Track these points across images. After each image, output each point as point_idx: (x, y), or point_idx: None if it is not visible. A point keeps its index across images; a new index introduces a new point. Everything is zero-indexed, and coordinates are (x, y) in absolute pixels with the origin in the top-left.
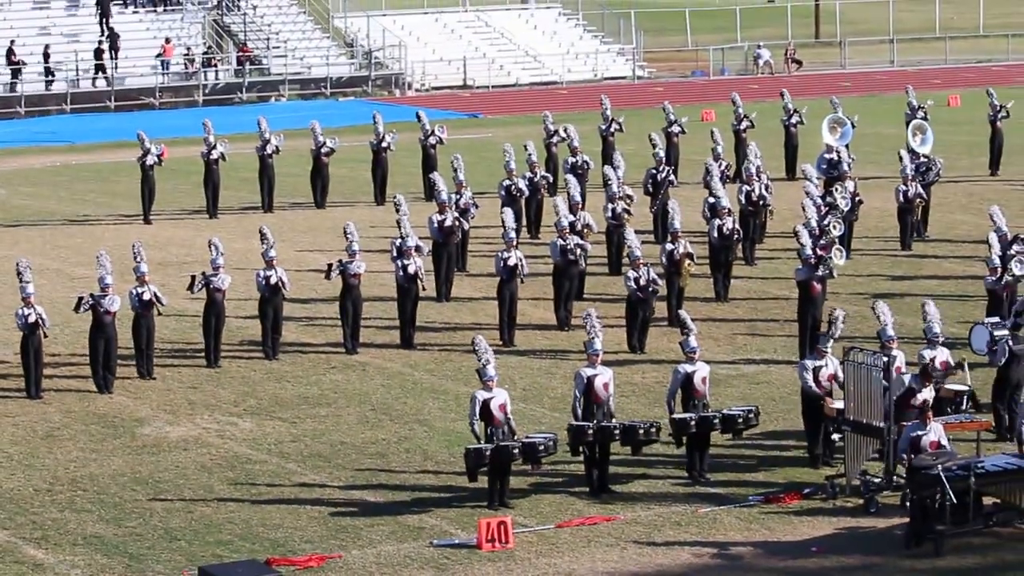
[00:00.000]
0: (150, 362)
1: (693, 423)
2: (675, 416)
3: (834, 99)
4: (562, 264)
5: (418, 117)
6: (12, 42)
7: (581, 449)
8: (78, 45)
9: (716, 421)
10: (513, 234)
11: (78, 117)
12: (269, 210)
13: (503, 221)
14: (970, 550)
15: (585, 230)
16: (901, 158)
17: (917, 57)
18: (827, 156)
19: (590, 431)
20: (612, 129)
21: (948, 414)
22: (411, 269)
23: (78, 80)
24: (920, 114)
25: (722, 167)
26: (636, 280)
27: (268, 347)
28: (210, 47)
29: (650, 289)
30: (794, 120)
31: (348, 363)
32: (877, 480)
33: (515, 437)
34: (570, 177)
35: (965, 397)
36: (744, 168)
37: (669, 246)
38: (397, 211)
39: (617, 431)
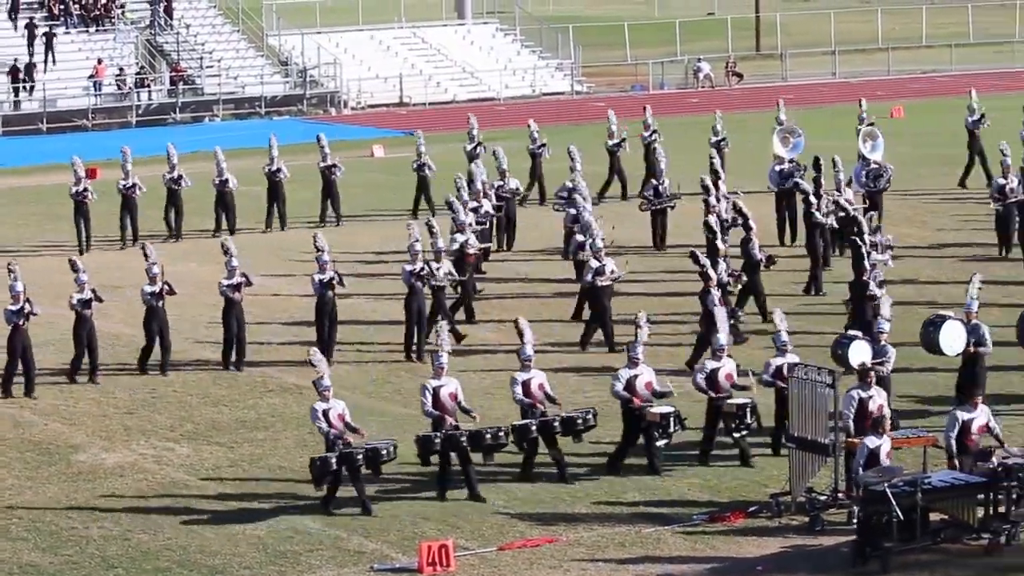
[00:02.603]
0: (30, 380)
1: (534, 428)
2: (515, 423)
3: (781, 115)
4: (589, 286)
5: (318, 140)
6: (16, 60)
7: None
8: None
9: (556, 424)
10: (418, 246)
11: (9, 140)
12: (178, 237)
13: (410, 233)
14: (917, 567)
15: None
16: (836, 166)
17: (860, 68)
18: (778, 168)
19: (437, 440)
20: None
21: (734, 430)
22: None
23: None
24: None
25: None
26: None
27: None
28: (143, 67)
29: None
30: (654, 137)
31: (285, 386)
32: (823, 497)
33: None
34: (577, 197)
35: (748, 410)
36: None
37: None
38: (431, 234)
39: (464, 438)
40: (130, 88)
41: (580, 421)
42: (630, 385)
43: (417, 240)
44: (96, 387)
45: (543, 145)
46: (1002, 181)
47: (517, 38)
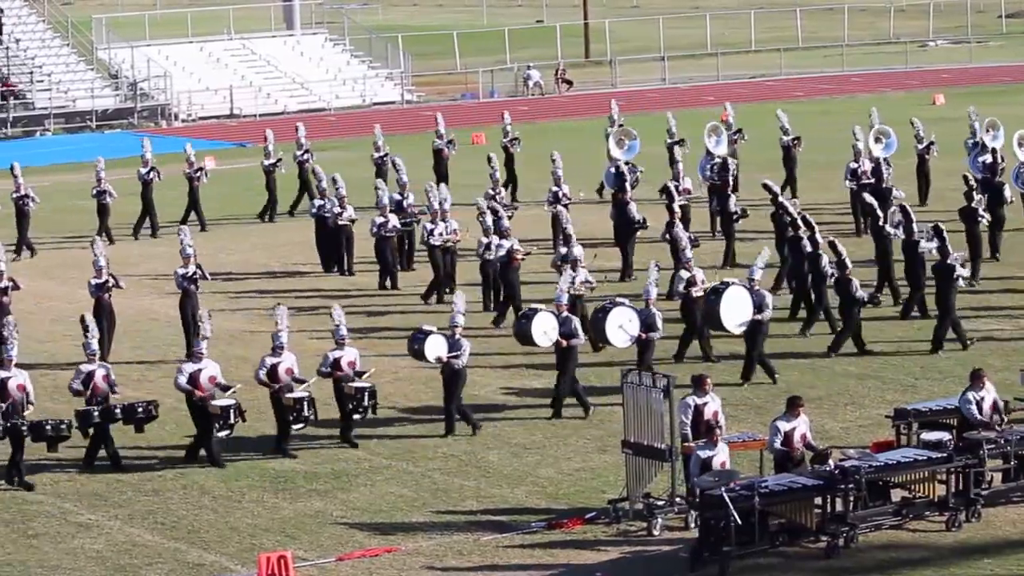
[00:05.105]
0: None
1: (96, 414)
2: (78, 409)
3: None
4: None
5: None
6: None
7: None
8: None
9: (118, 412)
10: (190, 250)
11: None
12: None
13: (181, 239)
14: (756, 570)
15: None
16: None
17: (689, 74)
18: (612, 170)
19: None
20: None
21: (353, 411)
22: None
23: None
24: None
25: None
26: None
27: None
28: None
29: None
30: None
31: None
32: (660, 503)
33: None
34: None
35: (367, 394)
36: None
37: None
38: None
39: (24, 428)
40: None
41: (141, 410)
42: (193, 378)
43: (189, 245)
44: None
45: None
46: (854, 165)
47: (346, 48)
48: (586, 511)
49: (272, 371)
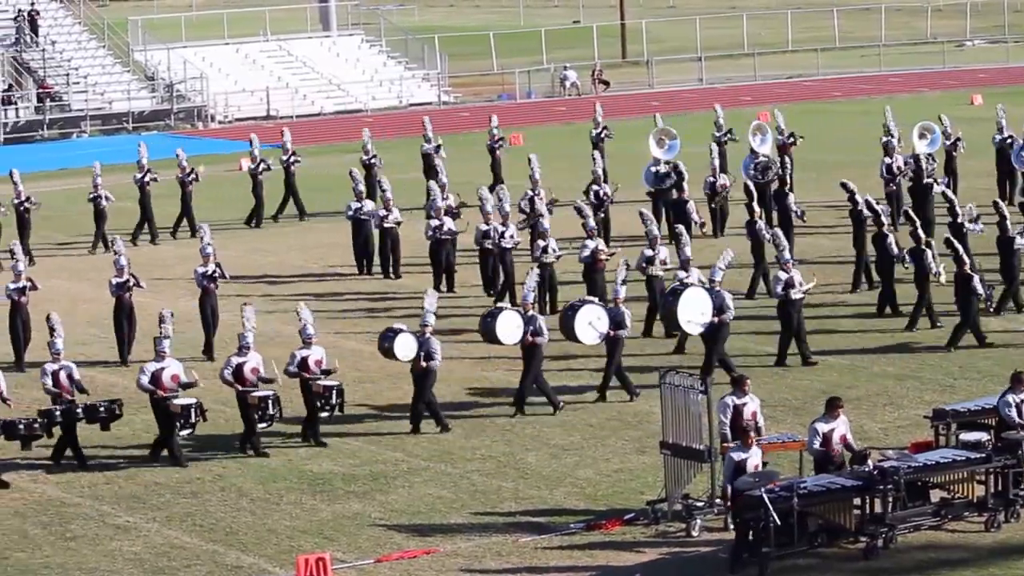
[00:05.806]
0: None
1: (58, 413)
2: (41, 409)
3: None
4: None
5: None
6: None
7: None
8: None
9: (79, 411)
10: (209, 249)
11: None
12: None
13: (201, 237)
14: (796, 571)
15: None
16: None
17: (726, 74)
18: (653, 169)
19: None
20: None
21: (322, 409)
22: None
23: None
24: (727, 137)
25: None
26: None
27: None
28: (10, 85)
29: None
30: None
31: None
32: (699, 504)
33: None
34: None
35: (335, 391)
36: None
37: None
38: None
39: None
40: None
41: (103, 409)
42: (156, 377)
43: (209, 244)
44: None
45: (375, 156)
46: (888, 160)
47: (383, 49)
48: (625, 512)
49: (238, 371)
